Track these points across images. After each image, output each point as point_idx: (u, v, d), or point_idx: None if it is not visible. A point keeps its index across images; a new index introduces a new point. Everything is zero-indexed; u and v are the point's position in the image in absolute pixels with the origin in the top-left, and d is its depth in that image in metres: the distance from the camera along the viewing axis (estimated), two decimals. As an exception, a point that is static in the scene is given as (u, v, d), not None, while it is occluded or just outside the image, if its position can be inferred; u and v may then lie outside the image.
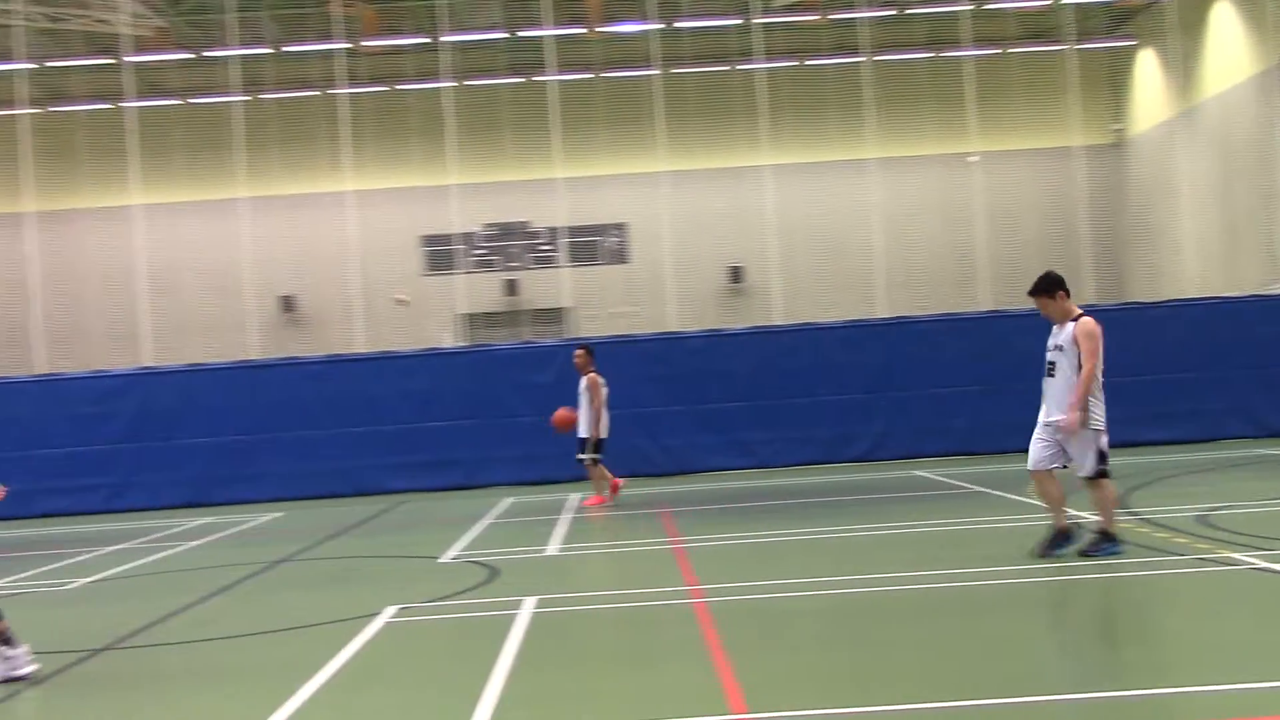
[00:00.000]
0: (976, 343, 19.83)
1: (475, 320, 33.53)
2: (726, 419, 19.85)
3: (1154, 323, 19.97)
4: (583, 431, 15.76)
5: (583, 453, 15.86)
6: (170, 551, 13.89)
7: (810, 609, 8.31)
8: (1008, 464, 17.75)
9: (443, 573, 10.88)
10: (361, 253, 30.87)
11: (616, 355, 20.16)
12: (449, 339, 32.25)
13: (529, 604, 8.68)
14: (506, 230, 34.73)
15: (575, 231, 32.44)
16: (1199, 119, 29.95)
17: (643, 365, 19.85)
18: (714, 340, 20.82)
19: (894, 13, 31.69)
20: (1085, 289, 27.02)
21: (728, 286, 33.35)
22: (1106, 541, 9.27)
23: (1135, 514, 11.43)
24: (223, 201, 32.89)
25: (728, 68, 32.93)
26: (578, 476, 19.45)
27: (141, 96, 31.29)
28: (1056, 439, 9.27)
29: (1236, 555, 8.97)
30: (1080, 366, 9.08)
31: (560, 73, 30.19)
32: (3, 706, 6.71)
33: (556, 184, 29.96)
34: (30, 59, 30.54)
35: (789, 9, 31.40)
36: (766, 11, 30.54)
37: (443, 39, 30.73)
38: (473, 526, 14.27)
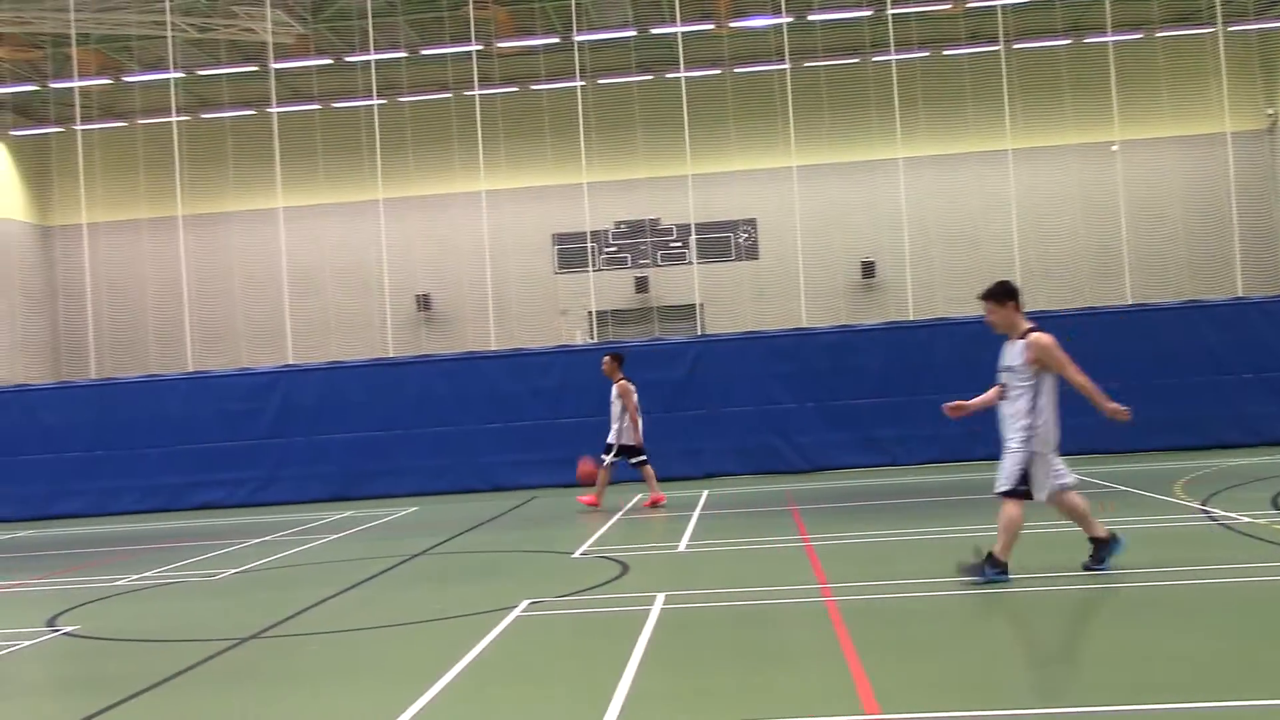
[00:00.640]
0: (1118, 338, 19.24)
1: (606, 317, 33.78)
2: (858, 415, 19.64)
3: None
4: (625, 439, 15.92)
5: (631, 459, 16.01)
6: (313, 544, 14.31)
7: (940, 609, 8.18)
8: (1149, 463, 17.23)
9: (575, 568, 10.99)
10: (495, 252, 31.32)
11: (745, 351, 20.15)
12: (580, 336, 32.56)
13: (659, 600, 8.72)
14: (637, 227, 34.90)
15: (705, 228, 32.46)
16: (1358, 102, 28.58)
17: (772, 361, 19.78)
18: (845, 336, 20.62)
19: (1031, -1, 30.97)
20: (1235, 281, 26.00)
21: (859, 281, 32.98)
22: (992, 566, 8.57)
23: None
24: (360, 203, 33.75)
25: (859, 60, 32.55)
26: (708, 474, 19.50)
27: (284, 102, 32.29)
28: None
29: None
30: (1033, 386, 8.67)
31: (690, 69, 30.22)
32: (151, 693, 7.00)
33: (686, 180, 29.98)
34: (180, 68, 31.76)
35: (922, -1, 30.91)
36: (899, 2, 30.08)
37: (575, 38, 31.02)
38: (604, 522, 14.39)
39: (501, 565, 11.85)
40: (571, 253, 34.48)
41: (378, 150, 31.04)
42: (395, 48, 32.59)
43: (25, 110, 36.71)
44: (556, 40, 32.39)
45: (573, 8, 30.42)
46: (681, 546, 11.96)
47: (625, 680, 6.44)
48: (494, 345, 29.44)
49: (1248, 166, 31.19)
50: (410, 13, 31.46)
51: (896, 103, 29.03)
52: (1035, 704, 5.65)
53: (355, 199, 34.39)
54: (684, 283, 32.58)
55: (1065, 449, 9.00)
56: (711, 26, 31.96)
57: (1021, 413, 8.73)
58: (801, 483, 17.94)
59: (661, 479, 19.15)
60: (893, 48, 29.34)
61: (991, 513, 13.14)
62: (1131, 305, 23.12)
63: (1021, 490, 8.66)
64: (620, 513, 15.46)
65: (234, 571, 12.17)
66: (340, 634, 8.55)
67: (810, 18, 31.44)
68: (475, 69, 30.69)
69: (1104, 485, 14.89)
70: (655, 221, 34.72)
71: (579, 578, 10.23)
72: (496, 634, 7.94)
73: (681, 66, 29.53)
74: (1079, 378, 8.69)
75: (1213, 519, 11.42)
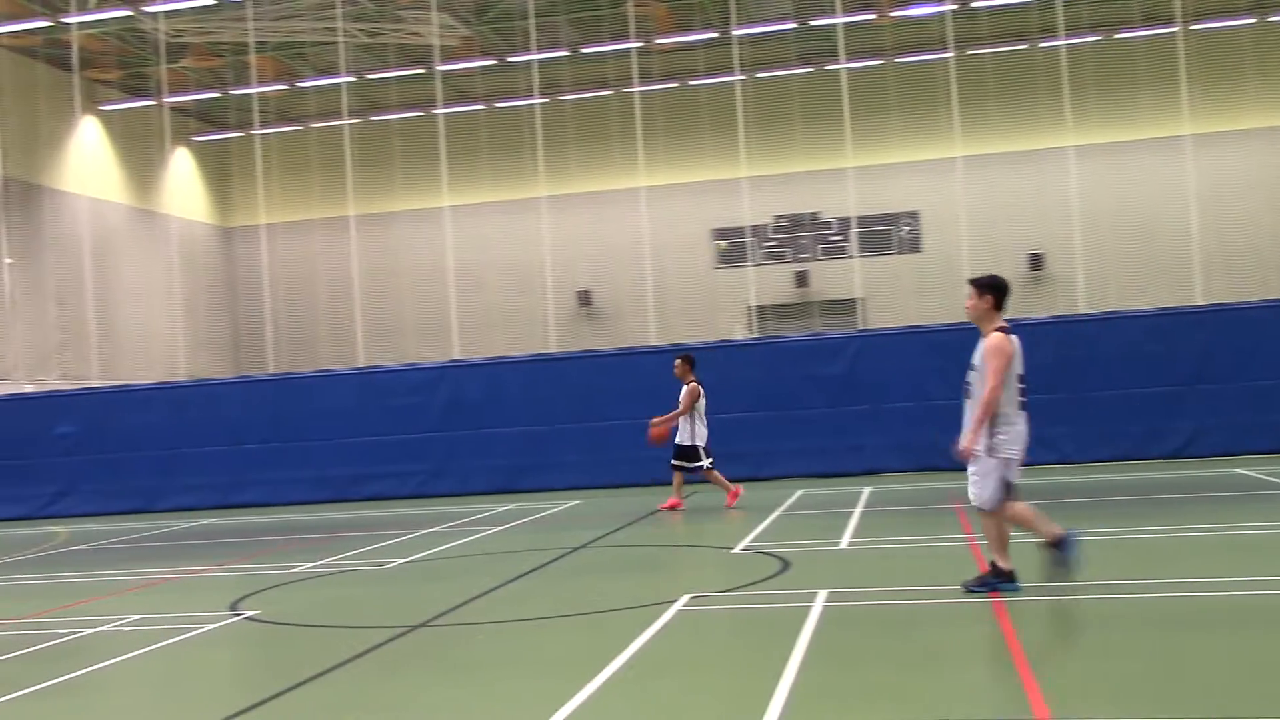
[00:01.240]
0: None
1: (766, 312, 33.63)
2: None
3: None
4: (684, 440, 15.79)
5: (685, 460, 15.86)
6: (478, 536, 14.61)
7: (1113, 613, 7.89)
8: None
9: (735, 563, 10.97)
10: (654, 247, 31.50)
11: (907, 345, 19.80)
12: (740, 331, 32.49)
13: (821, 597, 8.64)
14: (797, 221, 34.66)
15: (866, 221, 32.04)
16: None
17: (934, 357, 19.40)
18: (1012, 329, 20.05)
19: (1212, -23, 29.71)
20: None
21: (1027, 274, 32.11)
22: (995, 577, 8.37)
23: None
24: (523, 201, 34.34)
25: (1027, 46, 31.67)
26: (868, 470, 19.25)
27: (449, 103, 33.06)
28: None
29: None
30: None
31: (851, 60, 29.86)
32: (326, 677, 7.24)
33: (847, 173, 29.65)
34: (351, 73, 32.79)
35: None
36: (1069, -15, 29.18)
37: (733, 33, 30.95)
38: (764, 518, 14.32)
39: (662, 559, 11.91)
40: (731, 248, 34.44)
41: (540, 148, 31.53)
42: (557, 47, 33.05)
43: (207, 117, 38.44)
44: (715, 35, 32.38)
45: (731, 2, 30.37)
46: (843, 543, 11.83)
47: (787, 677, 6.39)
48: (653, 340, 29.61)
49: None
50: (571, 11, 31.85)
51: (1066, 89, 28.16)
52: (1215, 715, 5.40)
53: (518, 197, 35.00)
54: (844, 277, 32.22)
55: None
56: (873, 16, 31.50)
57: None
58: (965, 481, 17.51)
59: (823, 475, 19.00)
60: (1062, 32, 28.46)
61: (1178, 513, 12.67)
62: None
63: (1004, 499, 8.51)
64: (779, 509, 15.36)
65: (402, 561, 12.51)
66: (505, 624, 8.71)
67: (975, 4, 30.73)
68: (635, 65, 30.90)
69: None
70: (815, 215, 34.42)
71: (740, 573, 10.20)
72: (658, 628, 7.97)
73: (842, 58, 29.20)
74: (989, 395, 8.37)
75: None
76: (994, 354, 8.42)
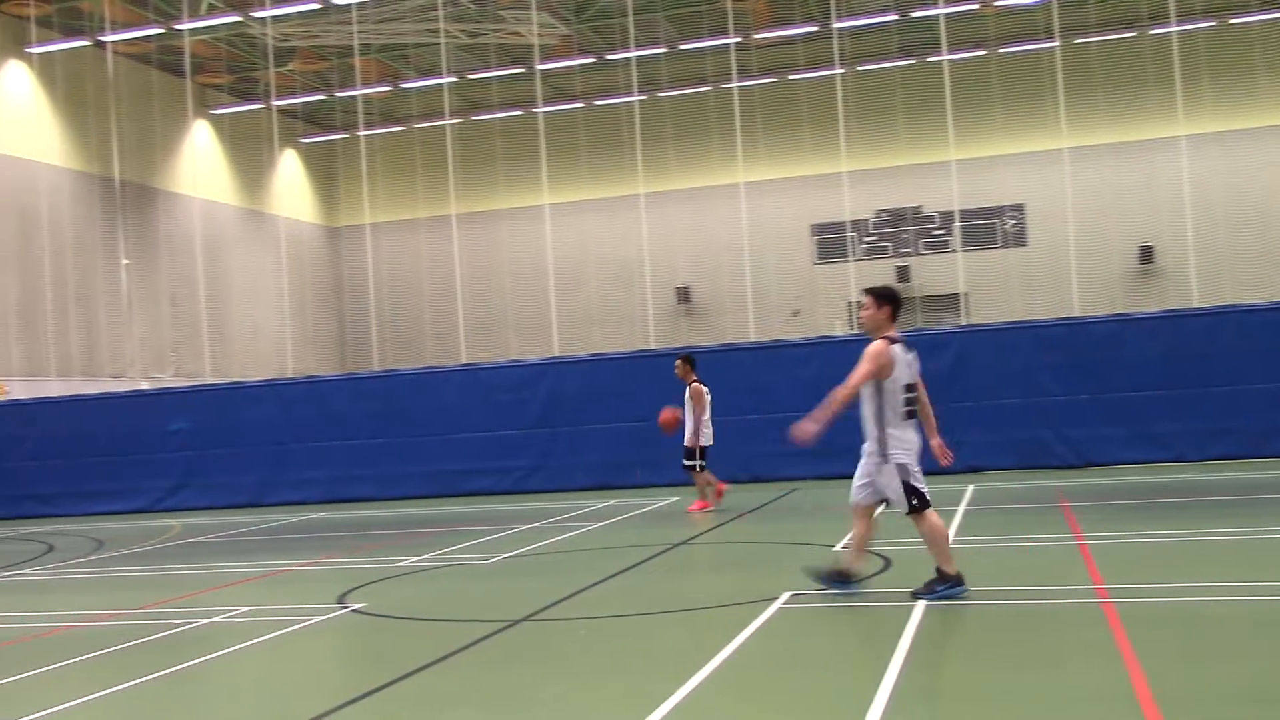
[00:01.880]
0: None
1: (867, 307, 33.32)
2: (1135, 409, 18.64)
3: None
4: (687, 440, 15.85)
5: (688, 460, 15.89)
6: (579, 531, 14.70)
7: (1229, 616, 7.67)
8: None
9: (836, 561, 10.86)
10: (753, 243, 31.39)
11: (1012, 341, 19.45)
12: (840, 327, 32.22)
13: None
14: (898, 216, 34.27)
15: (969, 215, 31.56)
16: None
17: (1041, 352, 19.03)
18: (1122, 325, 19.59)
19: (1332, -42, 28.69)
20: None
21: (1137, 267, 31.36)
22: (941, 582, 8.26)
23: None
24: (622, 198, 34.47)
25: (1136, 33, 30.91)
26: (971, 468, 18.94)
27: (549, 102, 33.32)
28: (867, 472, 8.48)
29: None
30: (874, 394, 8.31)
31: (953, 51, 29.43)
32: (429, 670, 7.35)
33: (949, 166, 29.21)
34: (453, 73, 33.22)
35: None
36: (1180, -30, 28.40)
37: (834, 25, 30.70)
38: (865, 515, 14.15)
39: (763, 556, 11.87)
40: (830, 242, 34.18)
41: (638, 145, 31.61)
42: (655, 44, 33.09)
43: (313, 119, 39.25)
44: (815, 28, 32.15)
45: (829, -5, 30.11)
46: (946, 542, 11.65)
47: (890, 676, 6.33)
48: (753, 336, 29.52)
49: None
50: (669, 8, 31.87)
51: (1178, 77, 27.39)
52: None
53: (617, 194, 35.15)
54: (947, 271, 31.78)
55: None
56: (976, 6, 31.00)
57: (868, 419, 8.53)
58: (1073, 478, 17.18)
59: (925, 472, 18.72)
60: (1173, 18, 27.70)
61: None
62: None
63: (919, 503, 8.47)
64: (879, 507, 15.18)
65: (504, 556, 12.63)
66: (606, 619, 8.75)
67: (1082, -8, 30.10)
68: (734, 61, 30.82)
69: None
70: (917, 209, 34.00)
71: (841, 571, 10.09)
72: (759, 624, 7.96)
73: (944, 49, 28.78)
74: (843, 392, 8.36)
75: None
76: (869, 358, 8.48)
